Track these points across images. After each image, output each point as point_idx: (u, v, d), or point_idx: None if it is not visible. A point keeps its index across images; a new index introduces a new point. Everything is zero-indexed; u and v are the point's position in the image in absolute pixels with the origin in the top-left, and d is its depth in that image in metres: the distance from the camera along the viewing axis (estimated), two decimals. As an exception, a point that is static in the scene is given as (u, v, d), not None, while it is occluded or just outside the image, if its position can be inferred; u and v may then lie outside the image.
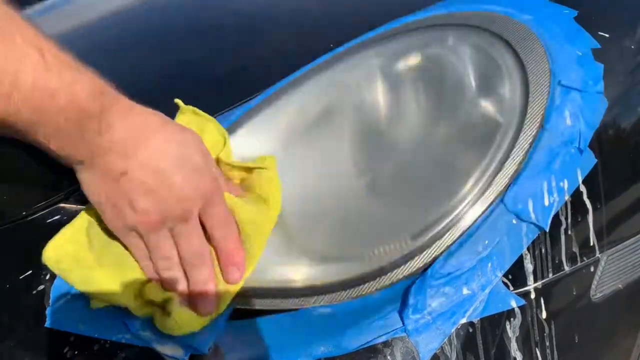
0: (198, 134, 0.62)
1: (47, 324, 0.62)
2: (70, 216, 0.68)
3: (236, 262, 0.61)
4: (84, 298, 0.63)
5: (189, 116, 0.67)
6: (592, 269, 0.69)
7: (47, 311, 0.62)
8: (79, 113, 0.52)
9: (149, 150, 0.56)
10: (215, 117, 0.74)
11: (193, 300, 0.59)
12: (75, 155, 0.55)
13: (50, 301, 0.63)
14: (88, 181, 0.58)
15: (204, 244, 0.60)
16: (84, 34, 1.11)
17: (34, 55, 0.50)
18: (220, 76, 0.83)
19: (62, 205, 0.69)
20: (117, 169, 0.56)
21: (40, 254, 0.66)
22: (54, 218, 0.68)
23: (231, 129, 0.73)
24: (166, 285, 0.60)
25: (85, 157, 0.56)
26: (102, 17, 1.16)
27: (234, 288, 0.61)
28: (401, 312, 0.58)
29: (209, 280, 0.59)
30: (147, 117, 0.58)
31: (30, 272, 0.65)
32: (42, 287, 0.64)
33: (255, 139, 0.72)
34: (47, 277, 0.64)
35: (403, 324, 0.58)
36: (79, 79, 0.53)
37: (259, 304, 0.61)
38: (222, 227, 0.60)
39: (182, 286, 0.60)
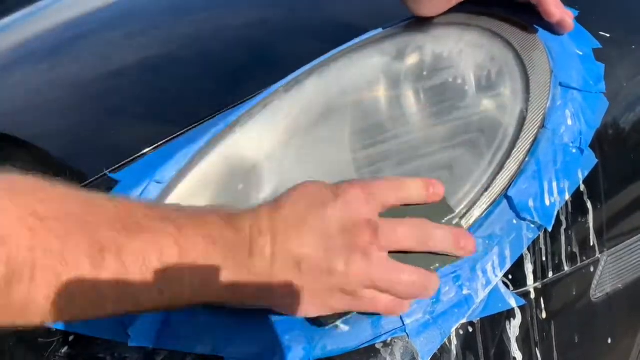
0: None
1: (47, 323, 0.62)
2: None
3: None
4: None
5: None
6: (592, 269, 0.69)
7: (47, 310, 0.62)
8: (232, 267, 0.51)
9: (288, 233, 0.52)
10: (215, 117, 0.75)
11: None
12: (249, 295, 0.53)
13: (50, 300, 0.63)
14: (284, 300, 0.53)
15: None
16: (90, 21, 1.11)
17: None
18: (220, 76, 0.83)
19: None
20: (290, 265, 0.52)
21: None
22: (54, 217, 0.68)
23: (231, 128, 0.73)
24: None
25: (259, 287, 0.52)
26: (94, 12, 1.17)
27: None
28: (401, 312, 0.58)
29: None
30: (261, 211, 0.54)
31: (30, 271, 0.65)
32: (41, 286, 0.64)
33: (256, 138, 0.72)
34: (47, 276, 0.64)
35: (403, 324, 0.58)
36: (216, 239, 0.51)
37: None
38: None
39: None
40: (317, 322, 0.56)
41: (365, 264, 0.51)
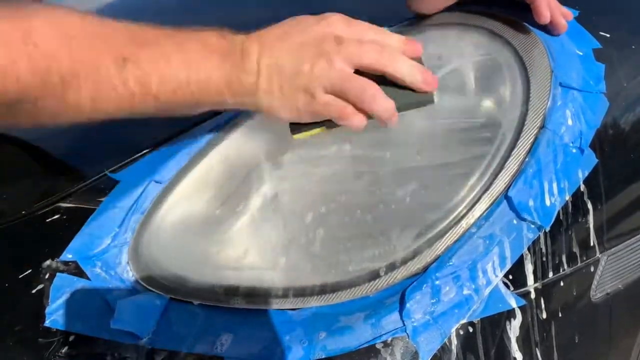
0: None
1: (47, 323, 0.62)
2: (70, 216, 0.68)
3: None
4: (82, 297, 0.63)
5: None
6: (592, 269, 0.69)
7: (47, 310, 0.63)
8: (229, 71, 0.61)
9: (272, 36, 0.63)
10: (215, 117, 0.75)
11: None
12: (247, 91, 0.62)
13: (50, 300, 0.63)
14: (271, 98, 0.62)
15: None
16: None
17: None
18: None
19: (61, 204, 0.69)
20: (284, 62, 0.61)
21: (40, 253, 0.66)
22: (54, 217, 0.68)
23: (231, 128, 0.73)
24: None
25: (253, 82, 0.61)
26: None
27: None
28: (401, 312, 0.58)
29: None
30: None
31: (30, 271, 0.65)
32: (41, 286, 0.64)
33: (255, 138, 0.72)
34: (47, 276, 0.64)
35: (403, 324, 0.58)
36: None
37: (259, 302, 0.61)
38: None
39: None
40: (291, 130, 0.65)
41: (326, 67, 0.61)
